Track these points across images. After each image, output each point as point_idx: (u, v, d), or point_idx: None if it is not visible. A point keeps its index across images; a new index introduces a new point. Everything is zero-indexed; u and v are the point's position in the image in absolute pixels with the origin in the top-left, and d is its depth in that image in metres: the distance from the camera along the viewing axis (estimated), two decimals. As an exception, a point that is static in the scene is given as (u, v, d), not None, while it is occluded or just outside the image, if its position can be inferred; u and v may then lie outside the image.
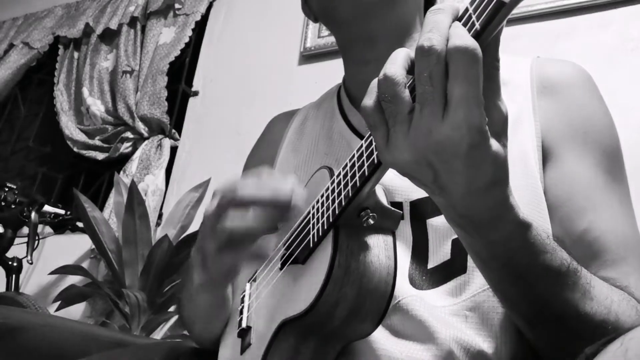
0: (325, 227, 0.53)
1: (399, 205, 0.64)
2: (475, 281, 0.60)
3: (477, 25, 0.39)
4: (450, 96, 0.39)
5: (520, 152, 0.63)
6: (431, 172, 0.42)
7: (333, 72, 1.04)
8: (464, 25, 0.40)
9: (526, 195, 0.61)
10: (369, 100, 0.43)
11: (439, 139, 0.39)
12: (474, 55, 0.38)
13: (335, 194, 0.52)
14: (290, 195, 0.55)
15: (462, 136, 0.39)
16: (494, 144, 0.41)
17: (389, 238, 0.52)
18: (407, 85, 0.41)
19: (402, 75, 0.41)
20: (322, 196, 0.56)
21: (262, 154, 0.90)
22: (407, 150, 0.41)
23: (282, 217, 0.55)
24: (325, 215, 0.53)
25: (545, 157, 0.64)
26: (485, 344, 0.57)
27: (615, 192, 0.64)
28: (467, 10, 0.40)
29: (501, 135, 0.42)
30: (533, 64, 0.70)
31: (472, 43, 0.38)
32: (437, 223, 0.63)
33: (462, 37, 0.38)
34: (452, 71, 0.38)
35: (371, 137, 0.48)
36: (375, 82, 0.43)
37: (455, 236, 0.61)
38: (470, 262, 0.60)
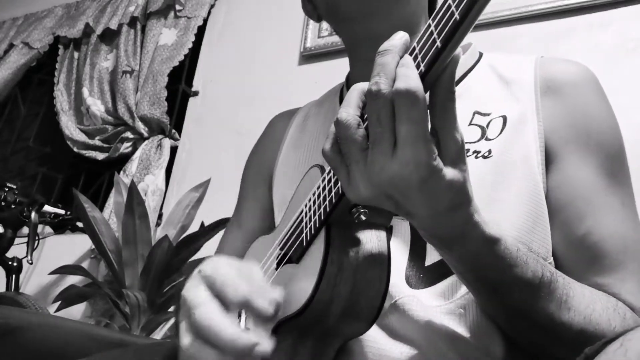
0: (318, 225, 0.53)
1: None
2: None
3: (422, 68, 0.41)
4: (398, 135, 0.41)
5: (523, 153, 0.63)
6: (392, 202, 0.45)
7: (333, 72, 1.04)
8: (415, 59, 0.42)
9: (526, 197, 0.61)
10: (327, 144, 0.46)
11: (391, 175, 0.42)
12: (416, 97, 0.40)
13: (326, 191, 0.52)
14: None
15: (411, 172, 0.41)
16: (449, 172, 0.43)
17: (382, 233, 0.52)
18: (362, 122, 0.44)
19: (353, 117, 0.44)
20: (313, 194, 0.56)
21: (263, 153, 0.90)
22: (365, 187, 0.44)
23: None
24: (317, 213, 0.53)
25: (548, 158, 0.64)
26: (480, 342, 0.57)
27: (617, 195, 0.63)
28: (414, 48, 0.42)
29: (458, 161, 0.43)
30: (537, 63, 0.70)
31: (414, 85, 0.40)
32: None
33: (406, 79, 0.40)
34: (397, 112, 0.41)
35: None
36: (332, 125, 0.46)
37: None
38: None
